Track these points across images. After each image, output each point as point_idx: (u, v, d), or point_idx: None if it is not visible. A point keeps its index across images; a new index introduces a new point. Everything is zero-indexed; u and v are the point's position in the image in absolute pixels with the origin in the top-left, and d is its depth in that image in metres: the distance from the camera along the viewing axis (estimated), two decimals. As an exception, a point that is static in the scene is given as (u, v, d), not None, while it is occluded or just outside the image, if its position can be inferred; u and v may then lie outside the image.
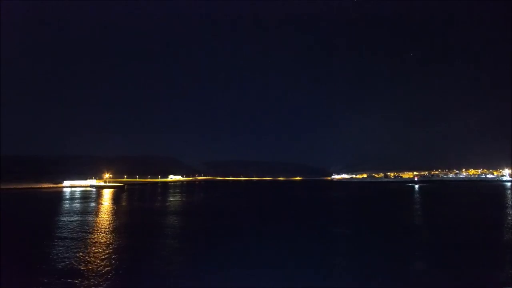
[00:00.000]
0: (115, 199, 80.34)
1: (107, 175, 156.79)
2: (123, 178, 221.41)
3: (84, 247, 26.82)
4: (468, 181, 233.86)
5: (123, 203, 70.02)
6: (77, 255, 24.36)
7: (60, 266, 21.59)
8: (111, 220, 43.19)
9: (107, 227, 36.92)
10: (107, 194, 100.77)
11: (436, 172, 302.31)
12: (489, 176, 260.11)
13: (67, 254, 24.62)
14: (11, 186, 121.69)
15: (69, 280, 18.77)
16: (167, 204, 68.78)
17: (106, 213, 51.43)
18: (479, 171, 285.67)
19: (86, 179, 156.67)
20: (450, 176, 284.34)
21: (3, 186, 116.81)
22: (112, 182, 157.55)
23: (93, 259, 23.30)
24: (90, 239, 30.29)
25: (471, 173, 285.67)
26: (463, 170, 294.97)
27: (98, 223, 40.57)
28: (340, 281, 19.06)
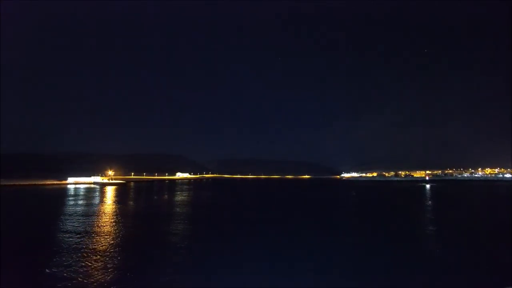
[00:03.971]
0: (112, 196, 79.94)
1: (110, 172, 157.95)
2: (130, 175, 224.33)
3: (83, 243, 27.02)
4: (484, 181, 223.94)
5: (119, 199, 69.37)
6: (76, 250, 24.58)
7: (59, 263, 21.39)
8: (106, 216, 42.61)
9: (100, 223, 36.92)
10: (107, 191, 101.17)
11: (450, 171, 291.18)
12: (507, 175, 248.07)
13: (67, 248, 25.03)
14: (15, 183, 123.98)
15: (69, 276, 18.64)
16: (164, 201, 67.80)
17: (104, 209, 50.98)
18: (496, 170, 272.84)
19: (92, 176, 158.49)
20: (465, 175, 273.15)
21: (7, 183, 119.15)
22: (118, 180, 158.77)
23: (92, 255, 23.22)
24: (87, 235, 30.53)
25: (487, 173, 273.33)
26: (479, 169, 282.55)
27: (94, 218, 40.28)
28: (339, 281, 18.63)
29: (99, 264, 20.97)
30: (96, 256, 22.81)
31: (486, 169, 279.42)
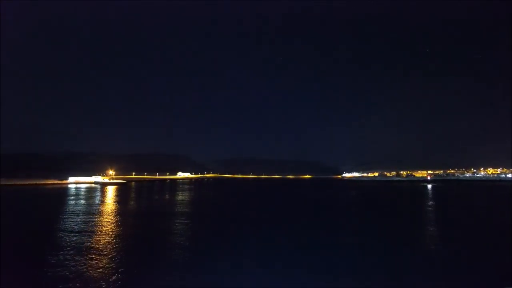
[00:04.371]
0: (112, 195, 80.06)
1: (111, 172, 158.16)
2: (132, 175, 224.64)
3: (82, 242, 27.08)
4: (486, 181, 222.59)
5: (119, 199, 69.42)
6: (76, 249, 24.71)
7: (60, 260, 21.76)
8: (105, 216, 42.65)
9: (100, 222, 36.92)
10: (108, 190, 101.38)
11: (452, 171, 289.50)
12: (510, 176, 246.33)
13: (66, 247, 25.15)
14: (16, 183, 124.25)
15: (68, 276, 18.67)
16: (165, 200, 67.78)
17: (104, 208, 51.10)
18: (499, 170, 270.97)
19: (93, 175, 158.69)
20: (467, 175, 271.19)
21: (8, 182, 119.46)
22: (118, 179, 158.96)
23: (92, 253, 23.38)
24: (87, 234, 30.65)
25: (489, 172, 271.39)
26: (481, 169, 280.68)
27: (93, 217, 40.24)
28: (339, 281, 18.59)
29: (99, 263, 20.93)
30: (95, 255, 22.80)
31: (488, 169, 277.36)
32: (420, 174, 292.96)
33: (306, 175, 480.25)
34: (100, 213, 46.15)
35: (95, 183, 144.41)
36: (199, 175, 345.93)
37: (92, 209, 50.28)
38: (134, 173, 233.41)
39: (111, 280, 18.08)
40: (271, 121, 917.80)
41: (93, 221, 37.98)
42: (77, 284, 17.46)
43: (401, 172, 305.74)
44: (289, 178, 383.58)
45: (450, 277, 19.54)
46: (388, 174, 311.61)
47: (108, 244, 26.19)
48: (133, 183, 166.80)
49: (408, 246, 26.97)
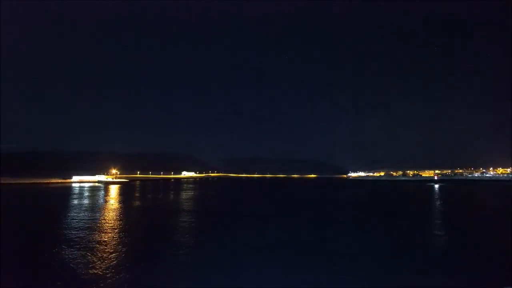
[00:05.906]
0: (115, 194, 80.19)
1: (114, 171, 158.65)
2: (136, 174, 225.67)
3: (82, 241, 26.92)
4: (495, 181, 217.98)
5: (119, 198, 69.23)
6: (75, 248, 24.61)
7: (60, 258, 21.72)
8: (103, 214, 42.30)
9: (97, 221, 36.46)
10: (111, 189, 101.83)
11: (460, 171, 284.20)
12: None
13: (67, 246, 24.92)
14: (20, 181, 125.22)
15: (68, 275, 18.56)
16: (166, 200, 67.21)
17: (103, 207, 50.87)
18: (509, 170, 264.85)
19: (97, 174, 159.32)
20: (476, 175, 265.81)
21: (12, 181, 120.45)
22: (122, 178, 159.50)
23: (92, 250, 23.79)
24: (85, 232, 30.57)
25: (499, 172, 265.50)
26: (490, 168, 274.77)
27: (91, 216, 39.88)
28: (338, 281, 18.44)
29: (100, 262, 20.75)
30: (96, 254, 22.64)
31: (498, 169, 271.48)
32: (427, 173, 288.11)
33: (311, 174, 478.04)
34: (101, 211, 46.17)
35: (98, 182, 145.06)
36: (203, 174, 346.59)
37: (94, 208, 50.40)
38: (138, 172, 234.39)
39: (112, 279, 17.81)
40: (275, 120, 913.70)
41: (94, 220, 37.86)
42: (78, 283, 17.20)
43: (408, 171, 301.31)
44: (294, 178, 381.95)
45: (450, 277, 19.21)
46: (394, 174, 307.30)
47: (109, 243, 26.09)
48: (137, 182, 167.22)
49: (408, 246, 26.42)
